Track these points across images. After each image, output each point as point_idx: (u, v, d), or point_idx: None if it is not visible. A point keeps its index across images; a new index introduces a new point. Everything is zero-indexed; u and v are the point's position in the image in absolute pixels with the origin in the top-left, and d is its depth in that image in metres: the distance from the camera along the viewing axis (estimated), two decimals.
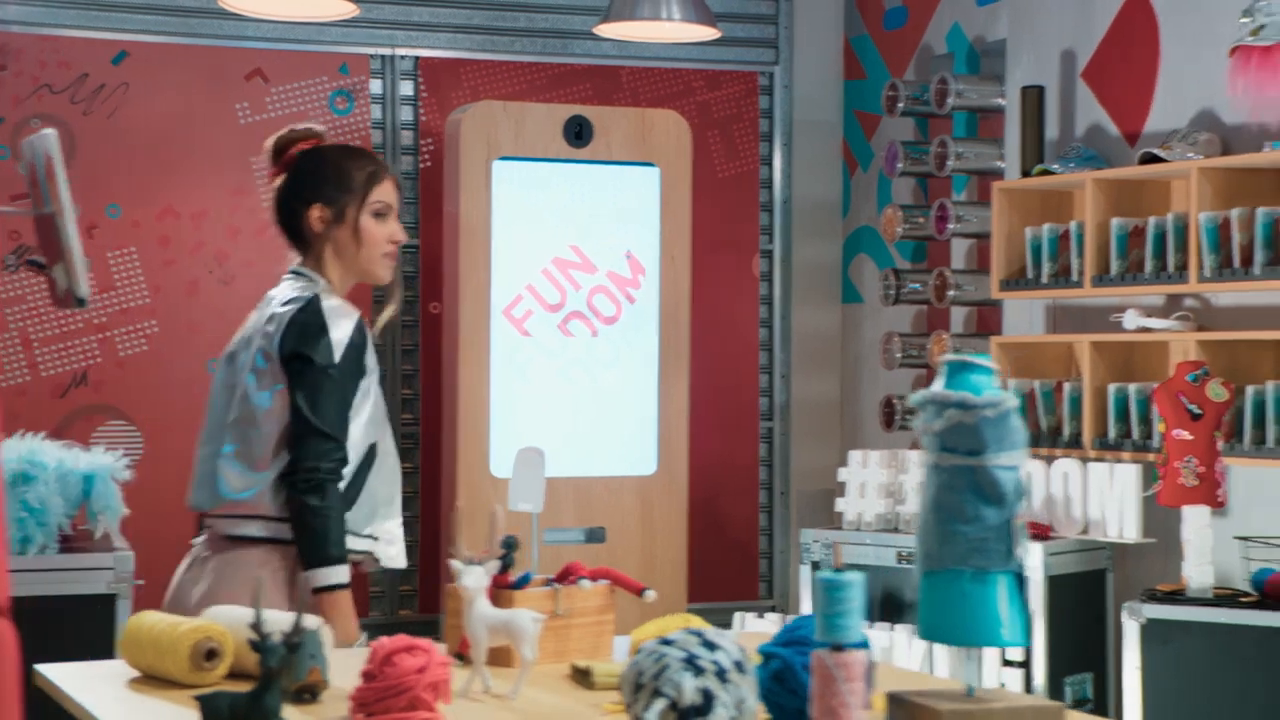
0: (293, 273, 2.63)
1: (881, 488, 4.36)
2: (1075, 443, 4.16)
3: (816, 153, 5.38)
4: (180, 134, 4.68)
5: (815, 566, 4.39)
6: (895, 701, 1.58)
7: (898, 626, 4.08)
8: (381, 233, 2.58)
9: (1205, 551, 3.57)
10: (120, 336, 4.64)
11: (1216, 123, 4.03)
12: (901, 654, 3.99)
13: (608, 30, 4.49)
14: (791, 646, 1.63)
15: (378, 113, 4.87)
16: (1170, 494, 3.62)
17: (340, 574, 2.43)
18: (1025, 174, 4.36)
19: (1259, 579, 3.53)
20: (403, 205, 4.86)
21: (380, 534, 2.51)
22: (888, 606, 4.25)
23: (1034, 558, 3.95)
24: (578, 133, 4.51)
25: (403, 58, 4.89)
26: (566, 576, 2.23)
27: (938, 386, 1.61)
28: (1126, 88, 4.30)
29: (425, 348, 4.87)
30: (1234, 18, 3.79)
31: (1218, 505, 3.62)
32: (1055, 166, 4.27)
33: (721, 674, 1.49)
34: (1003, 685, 3.93)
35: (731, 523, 5.26)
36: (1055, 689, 3.97)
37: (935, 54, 5.00)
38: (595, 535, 4.58)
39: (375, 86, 4.86)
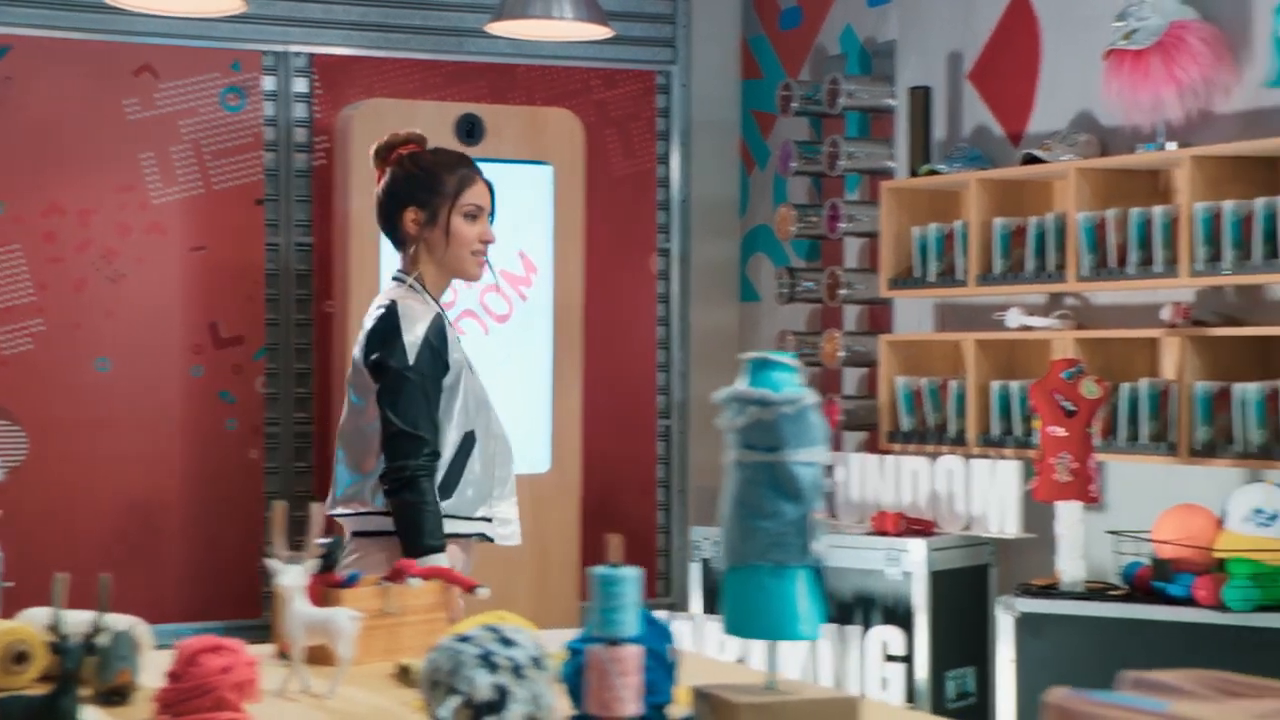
0: (394, 277, 2.82)
1: None
2: (960, 440, 4.21)
3: (714, 152, 5.40)
4: (67, 130, 4.62)
5: (706, 564, 4.41)
6: (699, 695, 1.59)
7: None
8: (471, 233, 2.75)
9: (1077, 546, 3.62)
10: (3, 335, 4.57)
11: (1095, 124, 4.09)
12: (785, 649, 4.01)
13: (499, 28, 4.48)
14: None
15: (271, 110, 4.83)
16: (1045, 489, 3.67)
17: (438, 562, 2.55)
18: (913, 174, 4.41)
19: (1129, 572, 3.59)
20: (292, 203, 4.86)
21: (495, 515, 2.66)
22: None
23: (917, 554, 3.99)
24: (469, 131, 4.49)
25: (296, 54, 4.86)
26: (398, 575, 2.23)
27: (740, 384, 1.63)
28: (1010, 89, 4.35)
29: (320, 346, 4.84)
30: (1111, 21, 3.85)
31: (1091, 500, 3.67)
32: (941, 167, 4.31)
33: (517, 670, 1.50)
34: (884, 680, 3.97)
35: (629, 521, 5.27)
36: (938, 683, 4.02)
37: (829, 54, 5.03)
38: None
39: (268, 83, 4.83)
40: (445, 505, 2.60)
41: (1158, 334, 3.81)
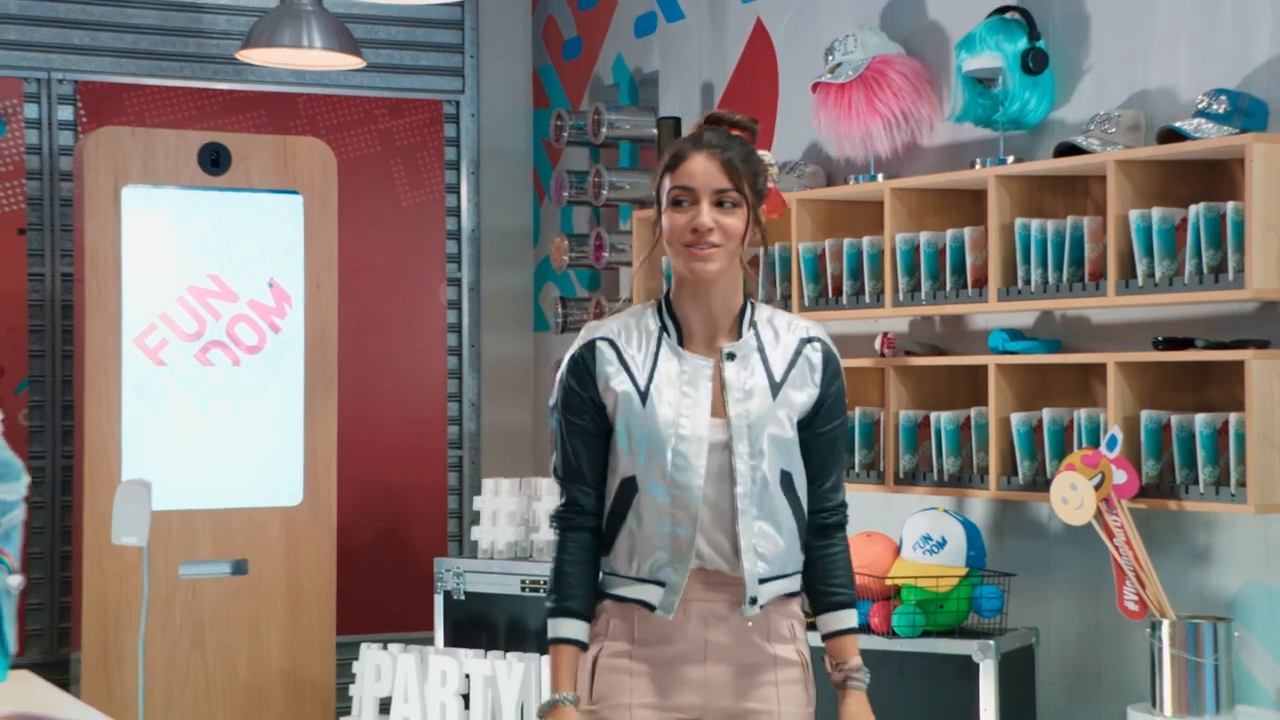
0: None
1: (513, 516, 4.35)
2: None
3: (506, 181, 5.39)
4: None
5: (448, 595, 4.37)
6: None
7: (509, 655, 4.06)
8: (679, 222, 2.18)
9: None
10: None
11: (823, 156, 4.09)
12: (503, 680, 3.98)
13: (249, 56, 4.47)
14: None
15: (34, 137, 4.80)
16: None
17: (554, 627, 2.22)
18: None
19: None
20: (57, 233, 4.82)
21: (668, 580, 2.19)
22: (511, 634, 4.24)
23: None
24: (214, 160, 4.46)
25: (60, 81, 4.83)
26: None
27: None
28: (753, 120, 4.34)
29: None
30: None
31: None
32: None
33: None
34: None
35: (420, 552, 5.22)
36: None
37: (604, 84, 5.03)
38: (239, 568, 4.53)
39: (31, 110, 4.80)
40: (604, 562, 2.23)
41: (867, 364, 3.80)
